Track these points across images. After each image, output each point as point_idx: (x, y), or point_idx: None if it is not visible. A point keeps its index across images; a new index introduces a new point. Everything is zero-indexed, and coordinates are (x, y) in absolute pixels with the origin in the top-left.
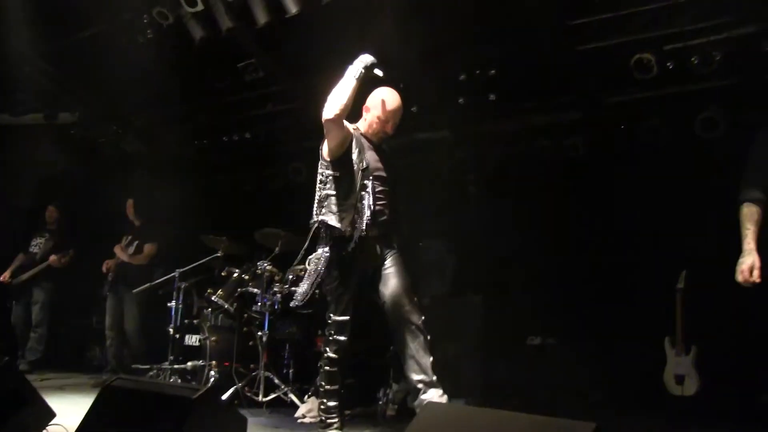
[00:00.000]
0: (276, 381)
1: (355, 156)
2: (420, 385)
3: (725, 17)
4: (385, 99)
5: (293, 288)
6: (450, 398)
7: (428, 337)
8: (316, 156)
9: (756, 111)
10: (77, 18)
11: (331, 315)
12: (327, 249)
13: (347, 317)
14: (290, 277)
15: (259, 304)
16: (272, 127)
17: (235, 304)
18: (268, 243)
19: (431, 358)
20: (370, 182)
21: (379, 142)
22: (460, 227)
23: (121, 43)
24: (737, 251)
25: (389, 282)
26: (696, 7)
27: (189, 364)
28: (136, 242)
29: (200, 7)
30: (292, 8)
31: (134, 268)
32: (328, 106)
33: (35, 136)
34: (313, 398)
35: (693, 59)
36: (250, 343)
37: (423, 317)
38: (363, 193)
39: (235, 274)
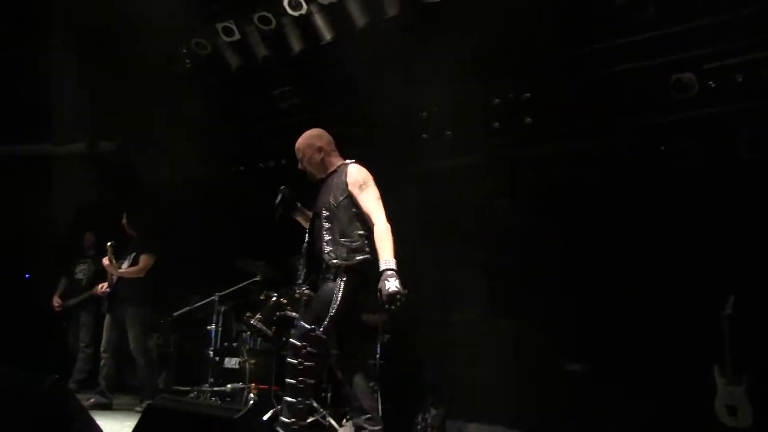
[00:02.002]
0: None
1: None
2: None
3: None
4: None
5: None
6: (486, 424)
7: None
8: None
9: None
10: (117, 49)
11: None
12: None
13: None
14: None
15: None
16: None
17: (273, 328)
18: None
19: None
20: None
21: (321, 177)
22: (492, 251)
23: (160, 73)
24: None
25: None
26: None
27: (228, 386)
28: (133, 254)
29: (237, 36)
30: (326, 35)
31: (131, 283)
32: None
33: (77, 165)
34: (351, 422)
35: (736, 77)
36: None
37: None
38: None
39: (274, 299)
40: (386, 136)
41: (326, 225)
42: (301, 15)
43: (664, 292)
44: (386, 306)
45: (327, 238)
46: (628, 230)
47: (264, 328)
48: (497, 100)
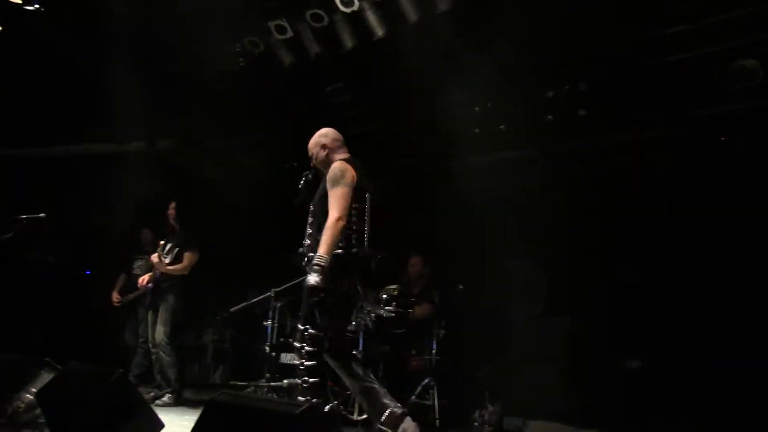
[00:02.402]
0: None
1: None
2: None
3: None
4: None
5: (386, 308)
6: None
7: None
8: (400, 176)
9: None
10: (173, 48)
11: None
12: None
13: None
14: (383, 296)
15: (353, 323)
16: (358, 148)
17: None
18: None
19: None
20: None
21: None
22: (550, 245)
23: (215, 72)
24: None
25: None
26: None
27: (285, 381)
28: (176, 250)
29: (290, 34)
30: (378, 31)
31: (173, 277)
32: None
33: (136, 163)
34: (408, 418)
35: None
36: None
37: None
38: None
39: None
40: (439, 131)
41: (309, 220)
42: (353, 11)
43: (724, 286)
44: (307, 298)
45: (308, 232)
46: (687, 223)
47: None
48: (551, 93)
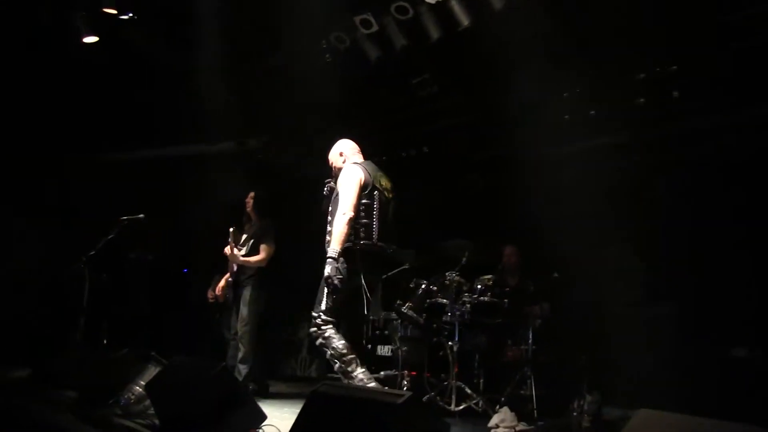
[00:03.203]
0: (467, 390)
1: None
2: None
3: None
4: None
5: (481, 298)
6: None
7: None
8: (492, 166)
9: None
10: (259, 49)
11: None
12: None
13: None
14: (479, 287)
15: (449, 314)
16: (447, 140)
17: (424, 315)
18: (454, 254)
19: None
20: None
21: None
22: (646, 231)
23: (301, 69)
24: None
25: None
26: None
27: (382, 373)
28: (251, 241)
29: (375, 28)
30: (464, 21)
31: (250, 270)
32: None
33: (226, 163)
34: (506, 408)
35: None
36: (440, 353)
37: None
38: None
39: (423, 286)
40: (528, 119)
41: (329, 219)
42: (437, 2)
43: None
44: (325, 287)
45: (328, 229)
46: None
47: (415, 315)
48: (642, 75)
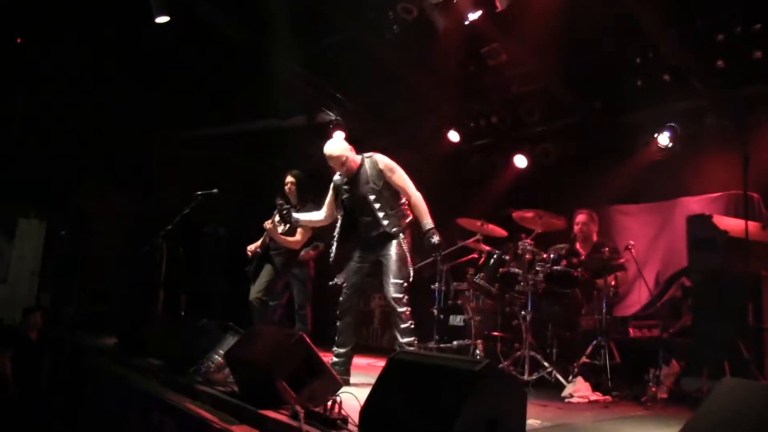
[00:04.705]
0: (540, 360)
1: None
2: None
3: None
4: None
5: (555, 267)
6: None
7: None
8: (563, 135)
9: None
10: (327, 23)
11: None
12: None
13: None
14: (553, 256)
15: (522, 284)
16: (518, 109)
17: (496, 285)
18: (527, 224)
19: None
20: None
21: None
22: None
23: (369, 42)
24: None
25: None
26: None
27: (455, 342)
28: (288, 225)
29: None
30: None
31: (283, 248)
32: None
33: (298, 137)
34: (579, 378)
35: None
36: (513, 322)
37: None
38: None
39: (495, 256)
40: (599, 84)
41: (376, 205)
42: None
43: None
44: (433, 253)
45: (380, 214)
46: None
47: (487, 285)
48: (721, 36)
